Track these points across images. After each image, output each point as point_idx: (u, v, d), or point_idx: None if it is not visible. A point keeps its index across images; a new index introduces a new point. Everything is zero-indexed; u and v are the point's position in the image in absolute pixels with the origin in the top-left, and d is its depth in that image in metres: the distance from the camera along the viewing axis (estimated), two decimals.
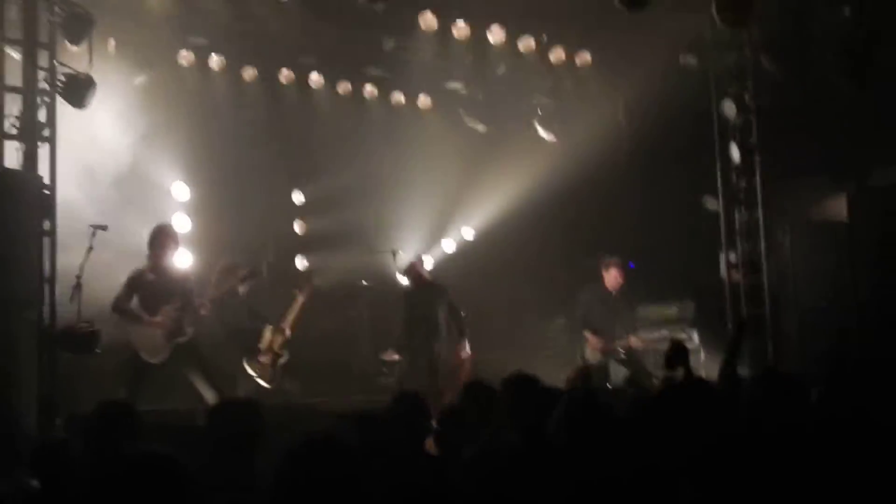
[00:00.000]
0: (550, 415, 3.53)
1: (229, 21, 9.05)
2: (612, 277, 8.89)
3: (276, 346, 7.96)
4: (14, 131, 6.77)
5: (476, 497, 2.82)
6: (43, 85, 7.00)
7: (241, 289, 7.78)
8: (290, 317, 8.14)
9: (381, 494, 2.77)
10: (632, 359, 8.76)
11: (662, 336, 9.15)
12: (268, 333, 7.98)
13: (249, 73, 10.10)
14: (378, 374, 9.28)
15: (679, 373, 5.45)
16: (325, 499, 2.56)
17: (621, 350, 8.73)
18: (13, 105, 6.84)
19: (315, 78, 10.50)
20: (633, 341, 8.76)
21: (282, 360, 7.95)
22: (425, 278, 8.84)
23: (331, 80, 10.64)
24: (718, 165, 9.75)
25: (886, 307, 8.71)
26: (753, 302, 9.40)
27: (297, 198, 10.73)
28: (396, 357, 8.69)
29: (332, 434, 2.76)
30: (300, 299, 8.19)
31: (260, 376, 7.83)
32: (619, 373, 8.80)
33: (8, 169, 6.58)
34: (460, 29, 9.87)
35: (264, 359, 7.90)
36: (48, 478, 3.78)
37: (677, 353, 5.53)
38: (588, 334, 8.72)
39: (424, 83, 10.99)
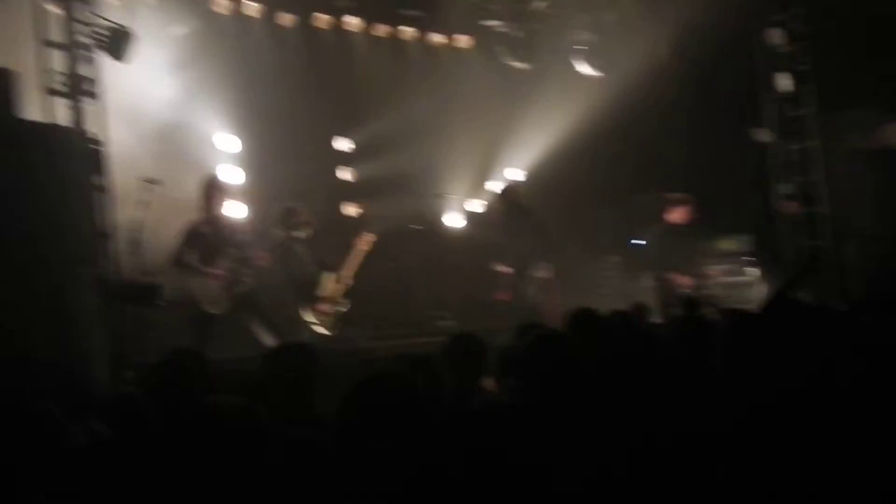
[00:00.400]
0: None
1: None
2: (681, 213, 8.81)
3: (336, 295, 7.94)
4: (61, 88, 6.72)
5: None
6: (84, 40, 6.93)
7: (299, 234, 7.76)
8: (351, 265, 8.10)
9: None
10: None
11: (726, 269, 9.17)
12: (328, 282, 7.96)
13: (286, 18, 9.97)
14: (436, 317, 9.29)
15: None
16: (388, 430, 2.60)
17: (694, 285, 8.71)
18: (60, 62, 6.77)
19: (353, 21, 10.34)
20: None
21: (343, 309, 7.93)
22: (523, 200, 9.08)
23: (367, 23, 10.48)
24: (767, 96, 9.50)
25: None
26: (810, 234, 9.24)
27: (341, 144, 10.64)
28: (510, 269, 8.81)
29: (392, 374, 2.80)
30: (362, 248, 8.12)
31: (321, 324, 7.84)
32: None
33: (53, 125, 6.53)
34: None
35: (325, 307, 7.89)
36: (120, 426, 3.80)
37: None
38: (670, 275, 8.65)
39: (463, 22, 10.78)
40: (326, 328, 7.87)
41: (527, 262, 8.77)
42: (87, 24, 6.96)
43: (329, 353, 6.62)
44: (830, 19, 9.16)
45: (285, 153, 9.54)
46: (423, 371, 3.76)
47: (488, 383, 4.22)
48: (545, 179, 10.85)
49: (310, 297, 7.86)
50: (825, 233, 9.17)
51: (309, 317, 7.81)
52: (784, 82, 9.38)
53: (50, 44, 6.77)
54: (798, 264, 7.24)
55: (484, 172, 11.18)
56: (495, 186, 10.61)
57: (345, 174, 10.66)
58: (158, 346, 5.67)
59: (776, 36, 9.42)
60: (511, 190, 9.39)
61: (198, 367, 4.02)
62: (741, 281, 9.51)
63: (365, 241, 8.23)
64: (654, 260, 8.95)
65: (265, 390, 3.70)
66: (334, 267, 8.09)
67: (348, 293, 8.09)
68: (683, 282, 8.68)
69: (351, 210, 10.55)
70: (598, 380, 3.56)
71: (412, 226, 10.23)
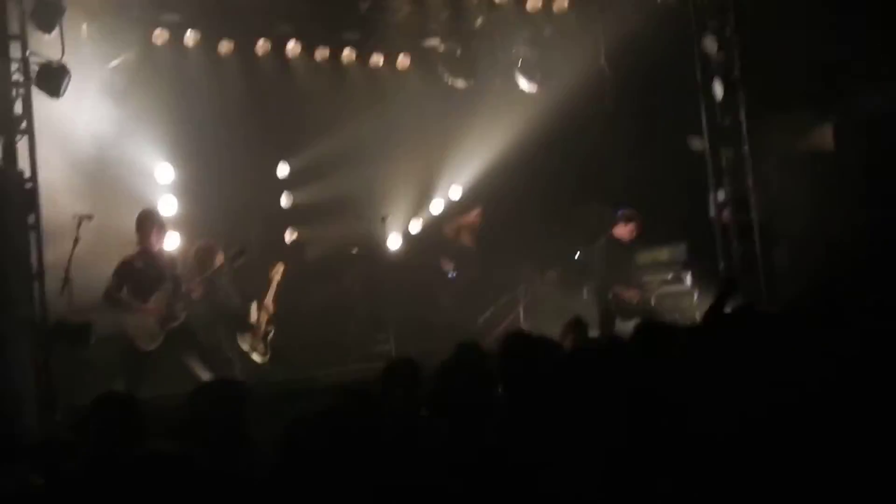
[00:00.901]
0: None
1: None
2: (629, 230, 8.95)
3: (262, 322, 8.01)
4: None
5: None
6: (17, 77, 6.94)
7: (230, 267, 7.81)
8: (269, 293, 8.18)
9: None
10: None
11: (663, 279, 9.30)
12: (254, 310, 8.03)
13: (226, 46, 9.98)
14: (374, 342, 9.35)
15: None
16: (326, 474, 2.62)
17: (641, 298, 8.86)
18: None
19: (292, 46, 10.38)
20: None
21: (270, 335, 8.00)
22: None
23: (308, 48, 10.51)
24: (703, 104, 9.70)
25: (876, 235, 8.77)
26: (744, 239, 9.44)
27: (283, 170, 10.70)
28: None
29: (329, 409, 2.83)
30: (275, 278, 8.20)
31: (253, 350, 7.90)
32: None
33: None
34: None
35: (255, 334, 7.95)
36: (50, 474, 3.85)
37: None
38: (619, 289, 8.79)
39: (402, 43, 10.86)
40: (260, 355, 7.93)
41: None
42: (18, 62, 6.97)
43: (267, 384, 6.73)
44: (761, 26, 9.37)
45: (225, 181, 9.58)
46: (359, 402, 3.84)
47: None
48: (486, 195, 10.98)
49: (242, 326, 7.91)
50: (756, 239, 9.36)
51: (242, 344, 7.86)
52: (717, 89, 9.56)
53: None
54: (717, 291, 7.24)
55: (426, 193, 11.31)
56: (437, 207, 10.71)
57: (286, 199, 10.71)
58: (91, 386, 5.69)
59: (710, 44, 9.58)
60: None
61: (129, 411, 4.06)
62: (678, 290, 9.68)
63: (277, 271, 8.28)
64: (599, 274, 9.07)
65: (195, 429, 3.75)
66: (255, 296, 8.14)
67: (275, 319, 8.14)
68: (630, 295, 8.82)
69: (292, 235, 10.59)
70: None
71: (353, 249, 10.31)
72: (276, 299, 8.17)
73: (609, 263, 8.97)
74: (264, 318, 8.07)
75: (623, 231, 9.03)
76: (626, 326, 8.28)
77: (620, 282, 8.89)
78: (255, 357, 7.90)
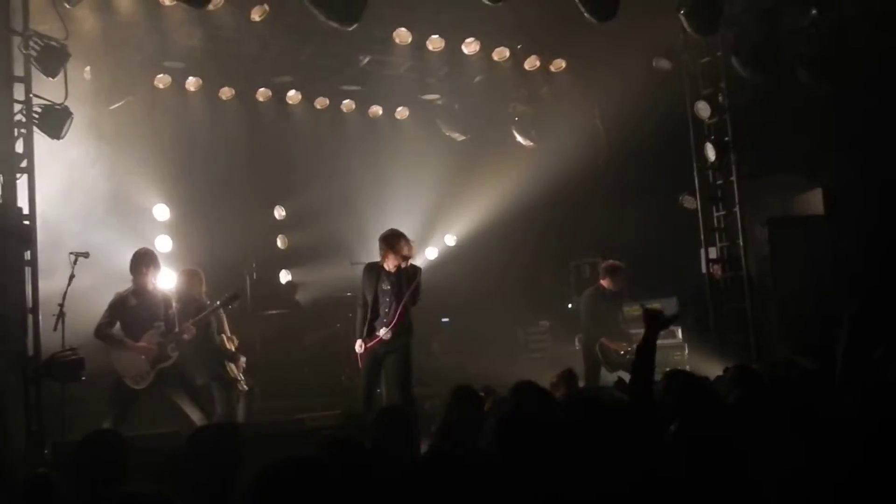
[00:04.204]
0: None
1: (204, 43, 9.11)
2: (617, 281, 9.02)
3: (234, 350, 7.98)
4: None
5: None
6: (19, 117, 7.03)
7: (224, 310, 7.81)
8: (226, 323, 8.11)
9: None
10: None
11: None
12: (226, 340, 7.98)
13: (227, 92, 10.18)
14: None
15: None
16: None
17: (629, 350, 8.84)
18: None
19: (292, 95, 10.58)
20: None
21: (242, 362, 7.96)
22: None
23: (308, 97, 10.72)
24: (695, 165, 9.87)
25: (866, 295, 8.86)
26: (734, 296, 9.53)
27: (279, 213, 10.80)
28: None
29: (297, 457, 2.83)
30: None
31: (238, 378, 7.86)
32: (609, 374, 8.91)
33: None
34: (435, 42, 9.90)
35: (237, 363, 7.92)
36: None
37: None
38: (606, 340, 8.82)
39: (401, 96, 11.10)
40: (244, 383, 7.89)
41: None
42: (21, 103, 7.06)
43: (256, 427, 6.71)
44: (752, 92, 9.57)
45: (222, 222, 9.68)
46: (344, 449, 3.83)
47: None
48: (480, 245, 11.09)
49: (228, 357, 7.88)
50: (745, 295, 9.46)
51: (232, 374, 7.82)
52: (710, 152, 9.74)
53: None
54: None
55: (422, 239, 11.37)
56: (431, 254, 10.76)
57: (281, 242, 10.79)
58: (79, 422, 5.69)
59: (703, 108, 9.79)
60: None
61: (114, 450, 4.08)
62: (669, 344, 9.73)
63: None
64: (586, 325, 9.12)
65: (186, 472, 3.75)
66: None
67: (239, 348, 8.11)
68: (617, 346, 8.85)
69: (286, 277, 10.65)
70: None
71: (346, 293, 10.36)
72: (231, 330, 8.10)
73: (595, 314, 9.01)
74: (233, 346, 8.01)
75: (609, 282, 9.09)
76: (612, 377, 8.34)
77: (608, 332, 8.90)
78: (242, 385, 7.85)
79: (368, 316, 7.41)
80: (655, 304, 9.91)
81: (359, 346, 7.37)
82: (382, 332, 7.32)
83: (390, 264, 7.44)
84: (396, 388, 7.32)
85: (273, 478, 2.74)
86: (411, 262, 7.51)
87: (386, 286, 7.44)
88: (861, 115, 9.06)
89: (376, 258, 7.54)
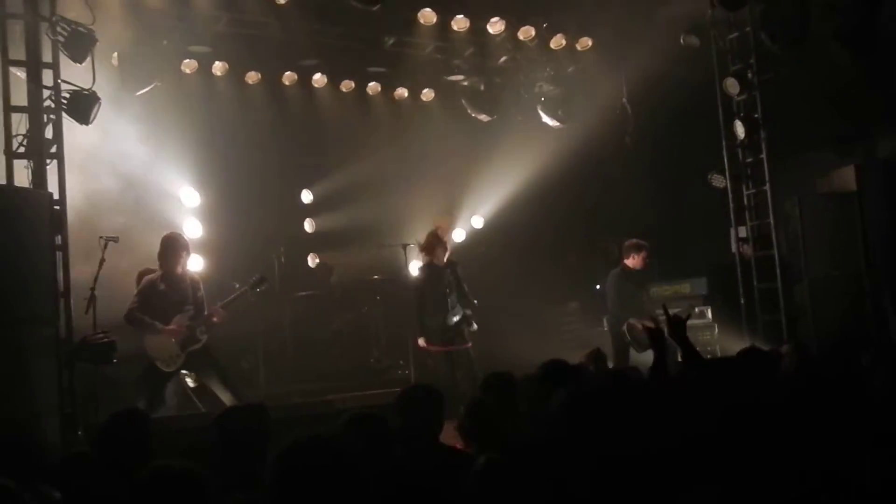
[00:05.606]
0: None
1: (230, 28, 9.14)
2: (640, 260, 8.96)
3: None
4: (22, 150, 6.87)
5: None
6: (48, 103, 7.09)
7: (252, 294, 7.84)
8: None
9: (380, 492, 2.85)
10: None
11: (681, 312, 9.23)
12: None
13: (253, 76, 10.21)
14: (395, 368, 9.36)
15: None
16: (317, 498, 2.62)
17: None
18: (20, 125, 6.93)
19: (318, 78, 10.59)
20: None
21: None
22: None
23: (334, 80, 10.73)
24: (724, 143, 9.75)
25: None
26: (765, 275, 9.43)
27: (307, 197, 10.83)
28: None
29: (320, 434, 2.80)
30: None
31: None
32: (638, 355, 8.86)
33: (18, 187, 6.69)
34: (460, 22, 9.85)
35: None
36: (70, 489, 3.89)
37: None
38: (633, 321, 8.77)
39: (427, 77, 11.07)
40: None
41: None
42: (50, 89, 7.12)
43: (286, 408, 6.76)
44: (783, 68, 9.43)
45: (250, 206, 9.73)
46: (368, 429, 3.84)
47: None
48: (507, 226, 11.06)
49: None
50: (776, 275, 9.35)
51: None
52: (739, 130, 9.61)
53: (14, 109, 6.93)
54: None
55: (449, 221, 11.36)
56: (460, 234, 10.74)
57: (309, 226, 10.83)
58: (112, 405, 5.75)
59: (732, 85, 9.65)
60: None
61: (140, 429, 4.11)
62: (699, 324, 9.65)
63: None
64: (612, 305, 9.07)
65: (217, 453, 3.78)
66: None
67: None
68: (645, 326, 8.79)
69: (314, 261, 10.69)
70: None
71: (374, 276, 10.39)
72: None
73: (621, 295, 8.95)
74: None
75: (632, 261, 9.03)
76: (641, 357, 8.29)
77: (634, 313, 8.84)
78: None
79: None
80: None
81: None
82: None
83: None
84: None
85: (294, 455, 2.73)
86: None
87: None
88: (894, 90, 8.90)
89: (402, 241, 7.56)
